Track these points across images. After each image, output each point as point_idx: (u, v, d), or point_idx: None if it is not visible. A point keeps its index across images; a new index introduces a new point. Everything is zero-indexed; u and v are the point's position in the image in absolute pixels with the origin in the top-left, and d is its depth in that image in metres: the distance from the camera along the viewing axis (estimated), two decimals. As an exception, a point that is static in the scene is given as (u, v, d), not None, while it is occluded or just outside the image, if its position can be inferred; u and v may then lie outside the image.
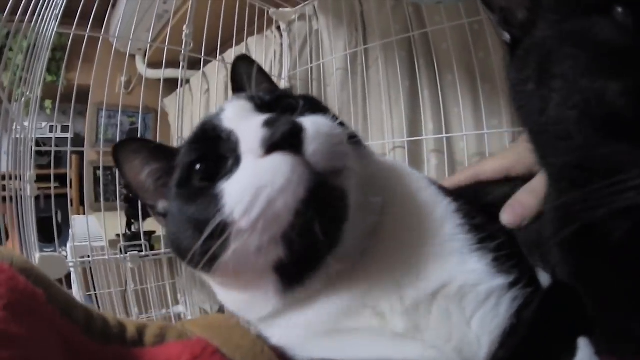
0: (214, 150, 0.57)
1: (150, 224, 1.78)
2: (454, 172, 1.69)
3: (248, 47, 2.43)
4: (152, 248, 1.73)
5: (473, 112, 1.64)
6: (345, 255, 0.55)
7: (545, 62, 0.39)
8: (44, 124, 3.39)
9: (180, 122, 1.82)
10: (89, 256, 1.77)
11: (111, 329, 0.58)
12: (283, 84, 2.14)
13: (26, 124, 1.56)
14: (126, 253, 1.62)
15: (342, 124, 0.61)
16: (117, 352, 0.55)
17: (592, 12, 0.36)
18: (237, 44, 2.15)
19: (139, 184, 0.69)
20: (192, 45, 1.77)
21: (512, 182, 0.73)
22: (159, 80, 1.91)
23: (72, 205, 3.07)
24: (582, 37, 0.36)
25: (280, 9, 2.16)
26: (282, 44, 2.24)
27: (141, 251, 1.63)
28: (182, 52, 1.76)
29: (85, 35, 1.59)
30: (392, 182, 0.65)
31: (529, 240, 0.60)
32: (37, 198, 1.54)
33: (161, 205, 0.68)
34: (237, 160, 0.54)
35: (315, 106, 0.63)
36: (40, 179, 1.58)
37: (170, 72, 2.09)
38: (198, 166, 0.58)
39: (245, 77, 0.74)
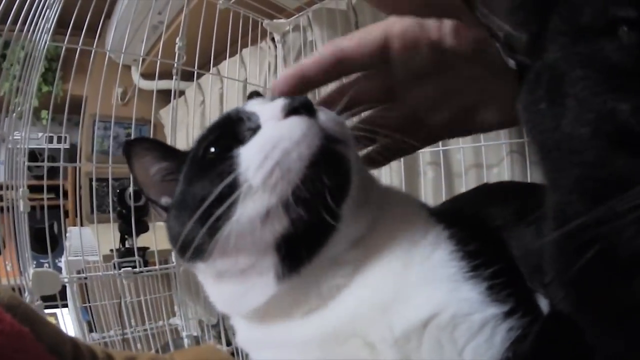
0: (234, 130, 0.59)
1: (144, 240, 1.76)
2: (451, 185, 1.68)
3: (242, 59, 2.43)
4: (146, 264, 1.71)
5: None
6: (338, 249, 0.56)
7: (557, 82, 0.39)
8: (40, 134, 3.38)
9: (174, 134, 1.81)
10: (83, 271, 1.77)
11: (99, 363, 0.57)
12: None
13: (18, 135, 1.55)
14: (120, 269, 1.61)
15: None
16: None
17: (599, 35, 0.36)
18: (232, 55, 2.15)
19: (146, 179, 0.70)
20: (184, 58, 1.76)
21: (518, 199, 0.72)
22: (156, 91, 1.91)
23: (67, 216, 3.07)
24: (592, 59, 0.37)
25: (275, 20, 2.15)
26: (276, 56, 2.23)
27: (135, 267, 1.62)
28: (175, 65, 1.75)
29: (79, 48, 1.59)
30: (385, 200, 0.64)
31: (530, 264, 0.59)
32: (33, 208, 1.54)
33: (164, 200, 0.69)
34: (255, 131, 0.56)
35: None
36: (37, 189, 1.58)
37: (164, 84, 2.08)
38: (213, 148, 0.59)
39: None
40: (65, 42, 1.59)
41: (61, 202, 1.78)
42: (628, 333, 0.44)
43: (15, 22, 1.44)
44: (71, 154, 3.45)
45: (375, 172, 1.74)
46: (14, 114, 1.53)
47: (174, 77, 1.76)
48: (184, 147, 0.69)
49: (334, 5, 2.02)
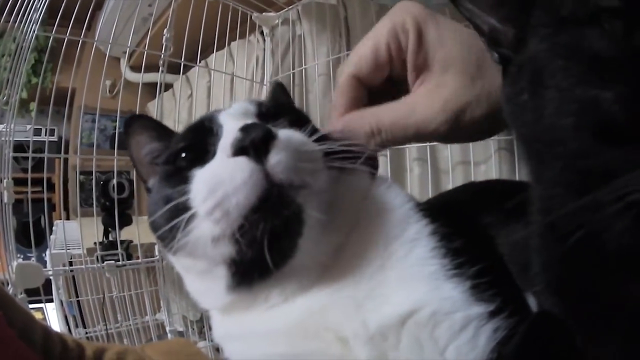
0: (203, 140, 0.60)
1: (127, 233, 1.75)
2: (438, 182, 1.68)
3: (231, 52, 2.41)
4: (130, 257, 1.70)
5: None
6: (301, 269, 0.56)
7: (539, 74, 0.40)
8: (28, 126, 3.35)
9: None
10: (69, 264, 1.75)
11: (69, 352, 0.56)
12: (265, 90, 2.12)
13: (2, 126, 1.54)
14: (103, 262, 1.60)
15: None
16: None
17: (582, 24, 0.36)
18: (220, 48, 2.13)
19: (139, 158, 0.73)
20: (172, 49, 1.74)
21: (506, 197, 0.70)
22: (144, 84, 1.89)
23: (55, 210, 3.05)
24: (574, 48, 0.37)
25: (264, 14, 2.14)
26: (265, 49, 2.22)
27: (118, 260, 1.61)
28: (162, 56, 1.73)
29: (66, 38, 1.58)
30: (366, 201, 0.63)
31: (519, 262, 0.58)
32: (20, 202, 1.52)
33: (151, 182, 0.71)
34: (214, 154, 0.57)
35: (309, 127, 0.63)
36: (25, 182, 1.56)
37: (152, 76, 2.06)
38: (184, 154, 0.61)
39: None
40: (54, 32, 1.58)
41: (45, 195, 1.76)
42: (616, 336, 0.43)
43: (2, 12, 1.43)
44: (59, 147, 3.43)
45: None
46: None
47: (161, 69, 1.75)
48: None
49: (323, 0, 2.01)
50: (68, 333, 2.18)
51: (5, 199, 1.43)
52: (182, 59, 1.86)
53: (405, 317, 0.51)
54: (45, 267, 1.61)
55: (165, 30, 1.75)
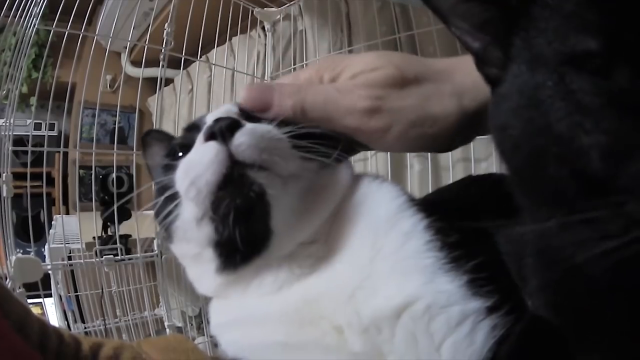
0: (192, 138, 0.64)
1: (126, 228, 1.75)
2: (438, 178, 1.67)
3: (232, 47, 2.41)
4: (129, 252, 1.70)
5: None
6: (288, 256, 0.60)
7: (521, 99, 0.37)
8: (28, 121, 3.35)
9: (160, 122, 1.79)
10: (68, 258, 1.75)
11: (65, 346, 0.56)
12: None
13: (2, 121, 1.54)
14: (102, 257, 1.60)
15: (319, 135, 0.63)
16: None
17: (561, 64, 0.33)
18: (222, 43, 2.13)
19: (154, 166, 0.79)
20: (172, 44, 1.74)
21: (506, 192, 0.70)
22: (145, 79, 1.89)
23: (54, 204, 3.05)
24: (551, 87, 0.34)
25: (265, 9, 2.13)
26: (266, 45, 2.22)
27: (117, 255, 1.61)
28: (163, 50, 1.73)
29: (66, 32, 1.57)
30: (353, 194, 0.65)
31: (517, 259, 0.57)
32: (19, 196, 1.52)
33: (159, 172, 0.74)
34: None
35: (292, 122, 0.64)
36: (25, 177, 1.56)
37: (152, 71, 2.06)
38: (180, 153, 0.66)
39: None
40: (54, 26, 1.57)
41: (44, 189, 1.76)
42: (600, 347, 0.43)
43: (2, 6, 1.42)
44: (59, 141, 3.44)
45: (361, 165, 1.73)
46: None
47: (161, 63, 1.74)
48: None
49: (325, -5, 2.01)
50: (67, 328, 2.18)
51: (4, 193, 1.43)
52: (183, 54, 1.85)
53: (400, 310, 0.51)
54: (44, 262, 1.61)
55: (166, 24, 1.74)
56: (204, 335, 1.82)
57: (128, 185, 1.78)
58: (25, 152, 1.71)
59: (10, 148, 1.49)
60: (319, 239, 0.61)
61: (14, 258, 1.38)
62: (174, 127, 2.54)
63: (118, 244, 1.61)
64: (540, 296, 0.48)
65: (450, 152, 1.60)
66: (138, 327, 1.94)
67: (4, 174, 1.45)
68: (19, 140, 1.73)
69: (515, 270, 0.55)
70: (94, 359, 0.55)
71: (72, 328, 2.18)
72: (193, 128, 0.68)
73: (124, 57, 3.10)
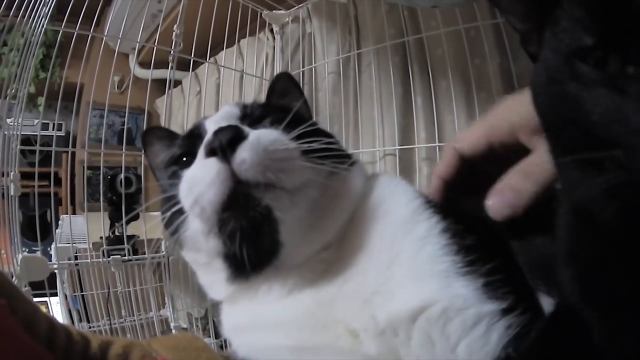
0: (194, 145, 0.65)
1: (134, 228, 1.75)
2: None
3: (240, 49, 2.41)
4: (135, 252, 1.70)
5: (467, 120, 1.62)
6: (298, 264, 0.59)
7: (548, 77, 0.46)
8: (35, 121, 3.36)
9: (168, 124, 1.79)
10: (74, 258, 1.75)
11: (74, 344, 0.56)
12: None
13: (10, 120, 1.55)
14: (109, 257, 1.60)
15: (328, 136, 0.66)
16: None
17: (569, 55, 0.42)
18: (230, 45, 2.13)
19: (156, 164, 0.79)
20: (182, 45, 1.74)
21: None
22: (153, 80, 1.89)
23: (61, 204, 3.05)
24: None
25: (274, 11, 2.14)
26: (274, 47, 2.22)
27: (124, 255, 1.61)
28: (172, 52, 1.73)
29: (75, 33, 1.58)
30: (367, 197, 0.64)
31: (532, 261, 0.57)
32: (26, 195, 1.53)
33: (164, 178, 0.75)
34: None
35: (298, 121, 0.64)
36: (32, 176, 1.57)
37: (160, 73, 2.06)
38: (184, 158, 0.67)
39: (277, 92, 0.83)
40: (63, 27, 1.58)
41: (52, 189, 1.76)
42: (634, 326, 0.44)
43: (10, 7, 1.43)
44: (67, 142, 3.45)
45: (369, 167, 1.72)
46: (7, 98, 1.52)
47: (170, 65, 1.74)
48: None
49: (333, -2, 2.01)
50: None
51: (12, 192, 1.43)
52: (192, 56, 1.85)
53: (416, 313, 0.51)
54: (50, 261, 1.61)
55: (175, 26, 1.75)
56: (209, 336, 1.82)
57: (136, 186, 1.78)
58: (32, 152, 1.71)
59: (18, 146, 1.49)
60: (332, 245, 0.61)
61: (20, 256, 1.38)
62: (182, 128, 2.55)
63: (125, 245, 1.61)
64: (570, 270, 0.49)
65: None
66: (143, 327, 1.94)
67: (12, 173, 1.45)
68: (26, 140, 1.73)
69: (531, 270, 0.56)
70: (103, 357, 0.55)
71: (76, 327, 2.17)
72: (195, 132, 0.69)
73: (132, 59, 3.11)
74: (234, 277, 0.60)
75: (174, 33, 1.74)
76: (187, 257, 0.67)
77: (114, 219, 1.81)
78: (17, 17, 1.47)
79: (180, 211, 0.59)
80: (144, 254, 1.71)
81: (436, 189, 0.69)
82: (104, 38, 1.77)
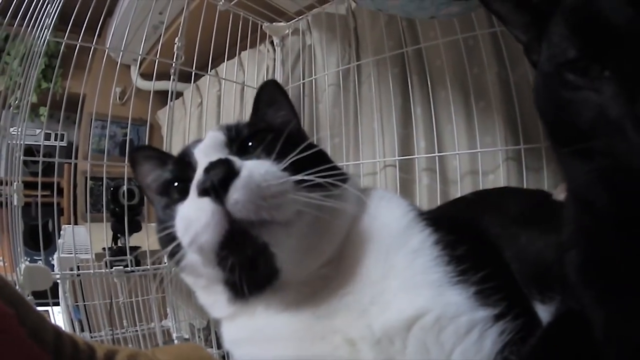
0: (185, 173, 0.66)
1: (136, 239, 1.75)
2: (447, 192, 1.67)
3: (241, 61, 2.42)
4: (138, 263, 1.70)
5: (466, 130, 1.62)
6: (295, 284, 0.61)
7: (544, 83, 0.53)
8: (37, 130, 3.36)
9: (170, 136, 1.80)
10: (76, 268, 1.75)
11: (80, 353, 0.56)
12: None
13: (13, 130, 1.55)
14: (112, 268, 1.60)
15: (321, 156, 0.68)
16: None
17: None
18: (231, 57, 2.14)
19: (146, 184, 0.79)
20: (183, 58, 1.75)
21: (517, 205, 0.72)
22: (154, 92, 1.90)
23: (63, 214, 3.06)
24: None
25: (274, 23, 2.15)
26: (275, 59, 2.23)
27: (127, 266, 1.61)
28: (173, 64, 1.74)
29: (78, 44, 1.59)
30: (362, 213, 0.66)
31: (526, 271, 0.59)
32: (29, 205, 1.53)
33: (158, 204, 0.75)
34: (189, 190, 0.63)
35: (289, 145, 0.64)
36: (34, 186, 1.57)
37: (162, 84, 2.08)
38: (176, 183, 0.68)
39: (263, 102, 0.84)
40: (65, 38, 1.59)
41: (55, 199, 1.77)
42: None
43: (15, 16, 1.44)
44: (68, 152, 3.44)
45: (370, 179, 1.73)
46: (11, 108, 1.53)
47: (172, 77, 1.75)
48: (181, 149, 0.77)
49: (333, 10, 2.02)
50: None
51: (15, 202, 1.44)
52: (194, 68, 1.86)
53: (411, 322, 0.53)
54: (52, 271, 1.61)
55: (176, 38, 1.76)
56: (212, 347, 1.82)
57: (139, 197, 1.78)
58: (34, 162, 1.71)
59: (21, 157, 1.50)
60: (331, 261, 0.62)
61: (23, 266, 1.38)
62: (183, 140, 2.56)
63: (128, 256, 1.62)
64: (576, 257, 0.53)
65: (457, 166, 1.60)
66: (145, 338, 1.94)
67: (15, 183, 1.45)
68: (28, 150, 1.74)
69: (525, 278, 0.58)
70: (109, 365, 0.55)
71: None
72: (185, 160, 0.69)
73: (134, 70, 3.12)
74: (235, 299, 0.62)
75: (175, 46, 1.75)
76: (186, 280, 0.69)
77: (117, 230, 1.82)
78: (22, 26, 1.48)
79: (178, 248, 0.60)
80: (147, 265, 1.71)
81: None
82: (106, 51, 1.78)
